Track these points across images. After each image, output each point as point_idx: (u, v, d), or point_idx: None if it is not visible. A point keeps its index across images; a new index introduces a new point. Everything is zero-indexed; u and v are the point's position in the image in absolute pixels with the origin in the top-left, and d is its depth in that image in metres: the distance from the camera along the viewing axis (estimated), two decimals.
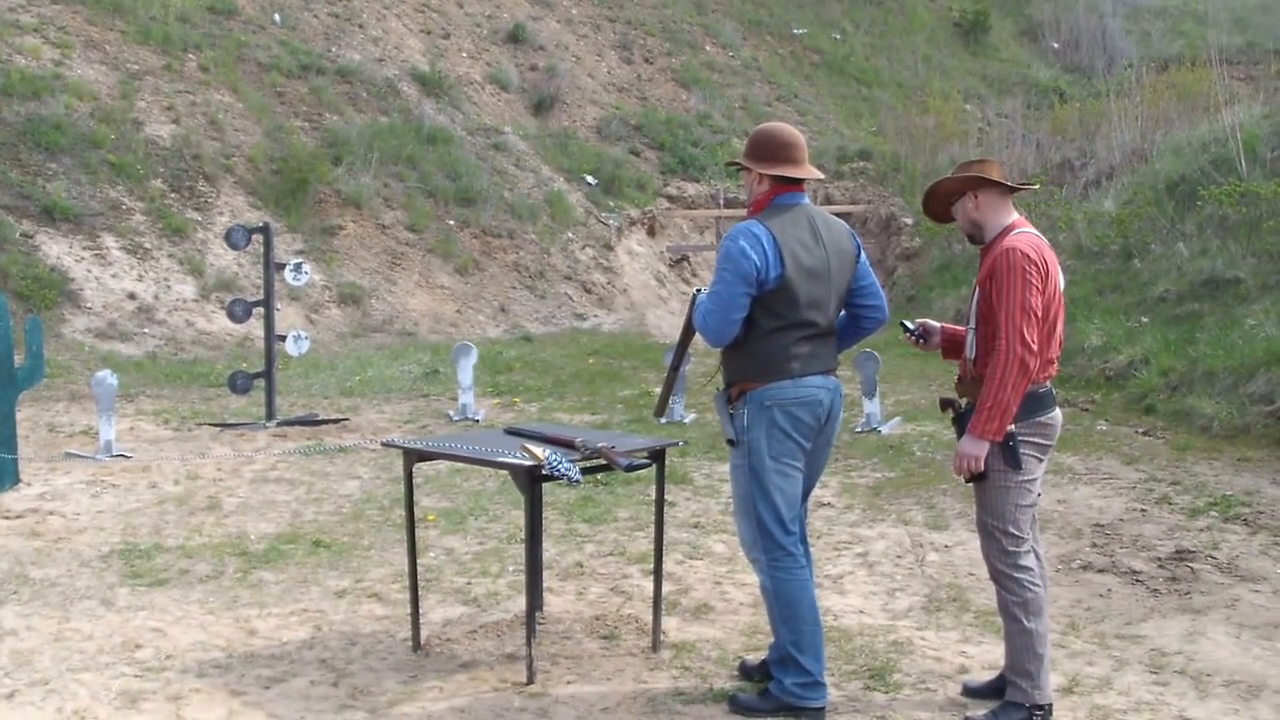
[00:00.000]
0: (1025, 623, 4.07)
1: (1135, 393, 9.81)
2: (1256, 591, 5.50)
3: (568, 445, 4.54)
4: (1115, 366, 10.32)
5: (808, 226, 4.20)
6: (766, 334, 4.14)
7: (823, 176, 4.74)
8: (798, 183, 4.27)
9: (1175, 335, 10.27)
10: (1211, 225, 11.79)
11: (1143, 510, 6.89)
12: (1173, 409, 9.21)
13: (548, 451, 4.40)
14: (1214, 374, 9.11)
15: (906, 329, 4.49)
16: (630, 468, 4.52)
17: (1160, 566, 5.86)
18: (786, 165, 4.23)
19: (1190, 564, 5.86)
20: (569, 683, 4.47)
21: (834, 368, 4.31)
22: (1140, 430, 9.01)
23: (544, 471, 4.33)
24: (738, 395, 4.21)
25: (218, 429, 9.40)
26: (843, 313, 4.37)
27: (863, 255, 4.40)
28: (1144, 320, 11.08)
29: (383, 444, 5.58)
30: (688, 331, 4.54)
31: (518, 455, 4.43)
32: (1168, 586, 5.57)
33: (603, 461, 4.52)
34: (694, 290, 4.44)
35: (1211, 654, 4.75)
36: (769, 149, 4.25)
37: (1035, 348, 3.96)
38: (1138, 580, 5.67)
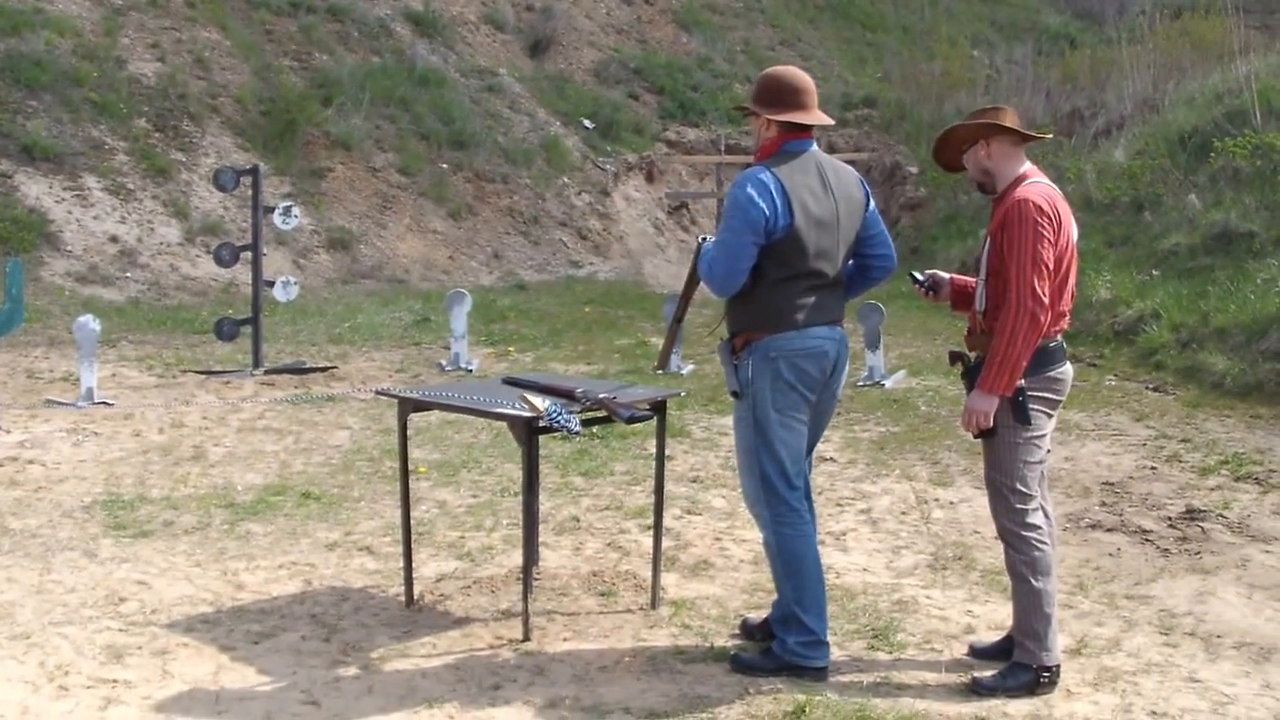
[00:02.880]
0: (1033, 582, 4.00)
1: (1145, 348, 9.70)
2: (1268, 552, 5.42)
3: (567, 396, 4.42)
4: (1125, 321, 10.21)
5: (816, 174, 4.10)
6: (773, 284, 4.04)
7: (833, 123, 4.61)
8: (807, 129, 4.15)
9: (1186, 290, 10.15)
10: (1224, 177, 11.63)
11: (1152, 468, 6.80)
12: (1183, 365, 9.11)
13: (547, 402, 4.27)
14: (1226, 329, 9.01)
15: (915, 279, 4.38)
16: (632, 419, 4.42)
17: (1170, 526, 5.77)
18: (796, 111, 4.11)
19: (1201, 523, 5.78)
20: (566, 640, 4.40)
21: (840, 319, 4.22)
22: (1150, 386, 8.92)
23: (543, 423, 4.21)
24: (742, 346, 4.13)
25: (203, 376, 9.25)
26: (850, 261, 4.23)
27: (872, 203, 4.31)
28: (1154, 274, 10.95)
29: (376, 393, 5.45)
30: (692, 281, 4.43)
31: (516, 406, 4.30)
32: (1178, 546, 5.49)
33: (602, 413, 4.40)
34: (699, 239, 4.31)
35: (1222, 615, 4.69)
36: (778, 94, 4.13)
37: (1046, 301, 3.88)
38: (1147, 540, 5.58)
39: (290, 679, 4.04)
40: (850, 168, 4.33)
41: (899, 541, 5.60)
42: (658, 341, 10.58)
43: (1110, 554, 5.41)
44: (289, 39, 16.97)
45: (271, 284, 9.62)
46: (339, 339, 11.03)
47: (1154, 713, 3.86)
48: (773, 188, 3.97)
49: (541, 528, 5.36)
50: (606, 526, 5.75)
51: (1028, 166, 4.10)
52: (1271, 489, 6.34)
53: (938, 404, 8.45)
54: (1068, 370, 4.09)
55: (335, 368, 9.65)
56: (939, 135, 4.29)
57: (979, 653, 4.28)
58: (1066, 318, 4.07)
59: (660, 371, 8.97)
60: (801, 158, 4.09)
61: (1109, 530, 5.73)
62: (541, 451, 5.91)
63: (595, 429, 6.70)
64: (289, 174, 15.03)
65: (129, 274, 12.77)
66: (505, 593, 4.84)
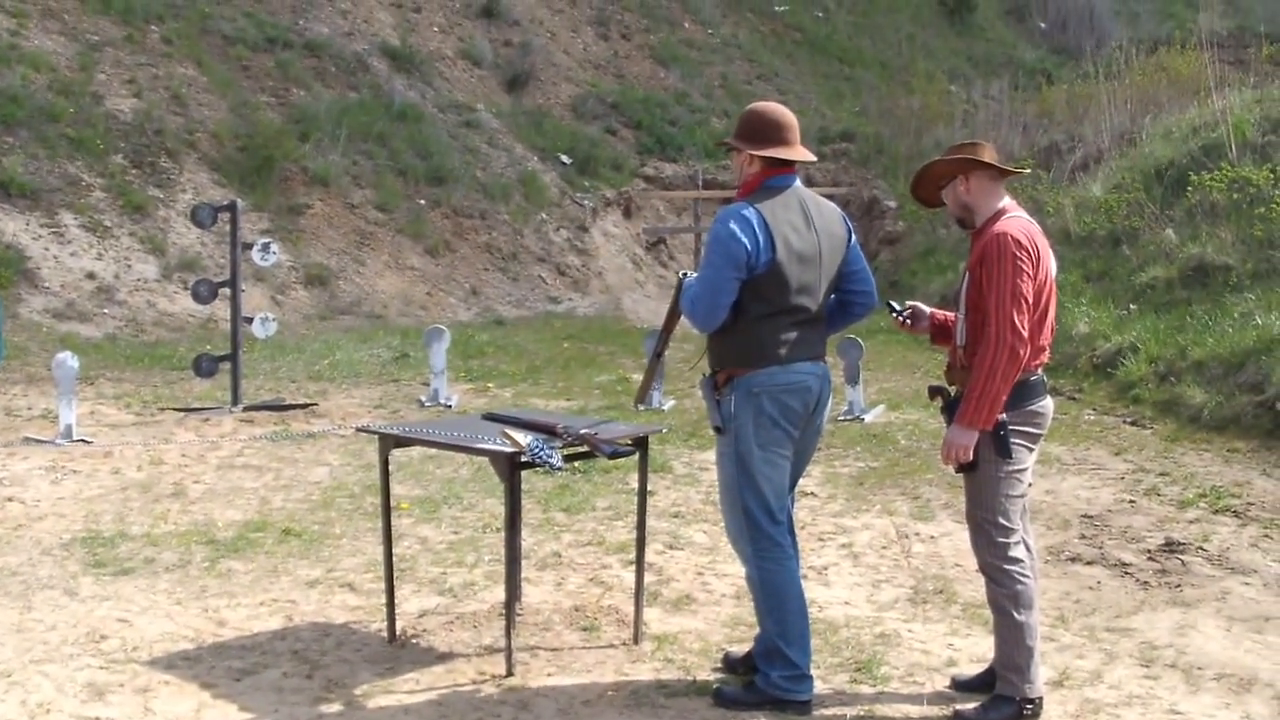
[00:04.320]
0: (1015, 615, 4.01)
1: (1123, 381, 9.70)
2: (1247, 584, 5.45)
3: (549, 431, 4.42)
4: (1103, 355, 10.21)
5: (799, 210, 4.13)
6: (755, 319, 4.06)
7: (815, 159, 4.63)
8: (789, 165, 4.18)
9: (1164, 323, 10.16)
10: (1201, 211, 11.66)
11: (1131, 501, 6.83)
12: (1161, 398, 9.12)
13: (529, 438, 4.27)
14: (1203, 363, 9.02)
15: (893, 309, 4.40)
16: (614, 454, 4.43)
17: (1150, 559, 5.80)
18: (778, 146, 4.14)
19: (1180, 556, 5.80)
20: (549, 675, 4.38)
21: (823, 354, 4.25)
22: (1128, 420, 8.94)
23: (525, 459, 4.21)
24: (724, 381, 4.14)
25: (181, 413, 9.18)
26: (832, 297, 4.26)
27: (854, 239, 4.34)
28: (1132, 308, 10.96)
29: (357, 429, 5.43)
30: (673, 316, 4.45)
31: (498, 441, 4.30)
32: (1158, 579, 5.51)
33: (584, 448, 4.40)
34: (680, 274, 4.34)
35: (1202, 647, 4.71)
36: (760, 129, 4.16)
37: (1026, 335, 3.90)
38: (1127, 573, 5.61)
39: (273, 716, 4.01)
40: (832, 204, 4.38)
41: (880, 575, 5.60)
42: (638, 377, 10.58)
43: (1091, 587, 5.43)
44: (266, 75, 16.99)
45: (250, 320, 9.58)
46: (318, 376, 10.98)
47: None
48: (755, 223, 3.99)
49: (524, 563, 5.33)
50: (588, 562, 5.74)
51: (1006, 201, 4.14)
52: (1250, 521, 6.38)
53: (918, 438, 8.47)
54: (1048, 404, 4.12)
55: (315, 404, 9.60)
56: (917, 171, 4.33)
57: (961, 685, 4.28)
58: (1046, 352, 4.10)
59: (641, 408, 8.98)
60: (784, 193, 4.12)
61: (1089, 563, 5.75)
62: (524, 486, 5.92)
63: (577, 464, 6.69)
64: (267, 210, 15.01)
65: (106, 310, 12.71)
66: (488, 628, 4.82)
